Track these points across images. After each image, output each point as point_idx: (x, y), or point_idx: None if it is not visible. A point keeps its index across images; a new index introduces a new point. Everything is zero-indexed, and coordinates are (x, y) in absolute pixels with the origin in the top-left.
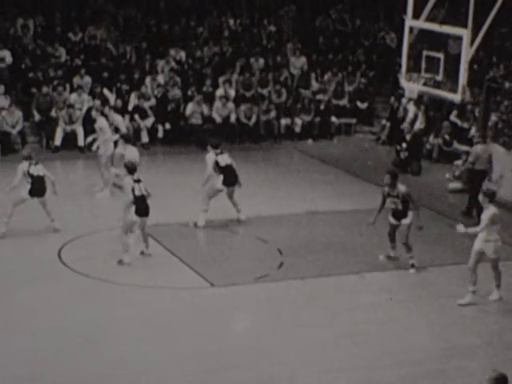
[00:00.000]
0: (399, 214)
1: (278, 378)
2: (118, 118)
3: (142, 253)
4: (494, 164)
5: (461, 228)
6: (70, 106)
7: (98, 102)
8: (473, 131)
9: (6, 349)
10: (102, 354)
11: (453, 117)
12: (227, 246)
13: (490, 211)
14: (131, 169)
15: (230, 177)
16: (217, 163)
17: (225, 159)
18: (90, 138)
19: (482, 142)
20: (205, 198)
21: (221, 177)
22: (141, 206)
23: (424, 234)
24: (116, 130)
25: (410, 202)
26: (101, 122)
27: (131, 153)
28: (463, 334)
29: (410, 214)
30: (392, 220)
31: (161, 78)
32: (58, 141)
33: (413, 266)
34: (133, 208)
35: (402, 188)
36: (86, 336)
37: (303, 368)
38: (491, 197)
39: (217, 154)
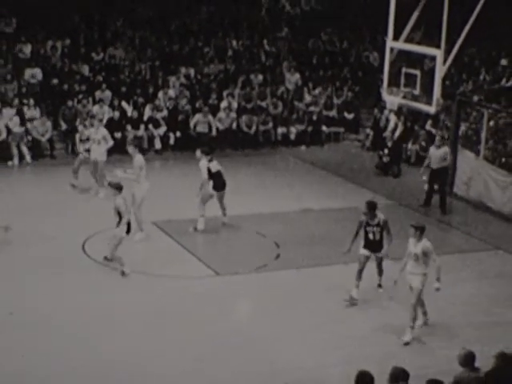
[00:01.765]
0: (375, 246)
1: (276, 356)
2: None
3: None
4: (464, 167)
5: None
6: (93, 116)
7: (116, 113)
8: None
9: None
10: (118, 337)
11: (428, 126)
12: (230, 240)
13: (421, 245)
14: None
15: (219, 182)
16: (208, 170)
17: (215, 166)
18: (86, 146)
19: (438, 145)
20: (200, 203)
21: (211, 182)
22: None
23: (403, 228)
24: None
25: (386, 232)
26: (104, 132)
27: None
28: (438, 316)
29: (385, 246)
30: (365, 252)
31: (172, 92)
32: (79, 147)
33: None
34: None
35: (382, 216)
36: (103, 319)
37: (299, 346)
38: (422, 230)
39: (208, 161)
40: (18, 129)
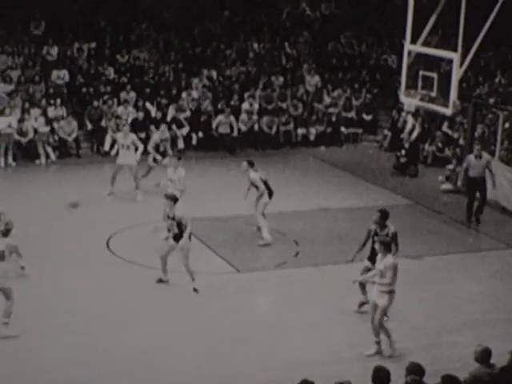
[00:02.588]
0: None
1: (292, 347)
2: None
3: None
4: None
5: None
6: (118, 117)
7: (141, 114)
8: (461, 141)
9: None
10: (142, 328)
11: (445, 127)
12: (251, 238)
13: (386, 261)
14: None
15: (271, 189)
16: (261, 179)
17: (262, 175)
18: (113, 150)
19: (477, 154)
20: (260, 216)
21: (266, 191)
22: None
23: (420, 227)
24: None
25: (394, 245)
26: (133, 137)
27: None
28: (453, 313)
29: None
30: (368, 264)
31: (195, 94)
32: (107, 147)
33: None
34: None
35: (392, 227)
36: (126, 312)
37: (314, 341)
38: (387, 246)
39: (255, 171)
40: (43, 128)
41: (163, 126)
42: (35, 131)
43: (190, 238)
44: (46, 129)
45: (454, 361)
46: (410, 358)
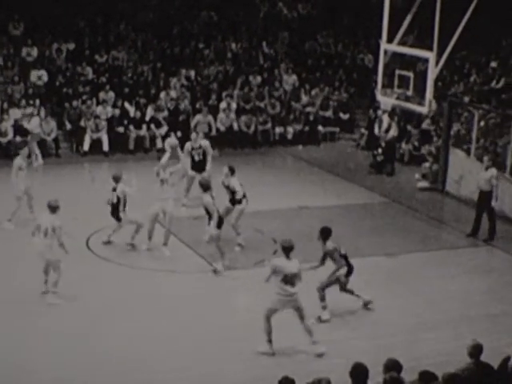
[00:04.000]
0: None
1: (275, 348)
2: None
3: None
4: (456, 166)
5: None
6: (97, 117)
7: (117, 111)
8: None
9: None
10: (118, 328)
11: (425, 125)
12: (230, 237)
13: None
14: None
15: (246, 196)
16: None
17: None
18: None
19: (489, 165)
20: (236, 224)
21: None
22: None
23: (396, 225)
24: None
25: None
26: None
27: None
28: (430, 310)
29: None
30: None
31: (173, 93)
32: (86, 147)
33: (319, 318)
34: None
35: (328, 246)
36: (101, 312)
37: (297, 339)
38: (287, 250)
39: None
40: (37, 129)
41: (195, 135)
42: (28, 132)
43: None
44: (39, 129)
45: (431, 357)
46: (387, 354)
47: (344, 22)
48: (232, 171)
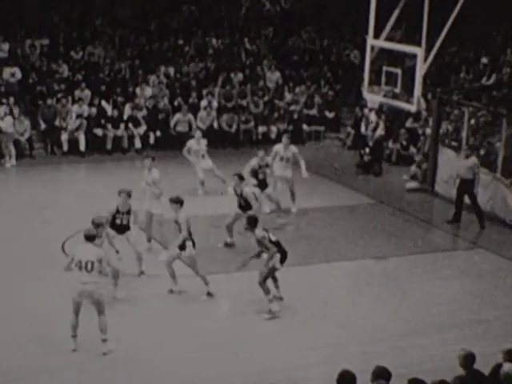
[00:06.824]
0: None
1: (260, 355)
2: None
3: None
4: (445, 166)
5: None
6: (80, 116)
7: (94, 110)
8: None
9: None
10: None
11: (409, 123)
12: (214, 241)
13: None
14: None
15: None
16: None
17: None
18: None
19: (469, 154)
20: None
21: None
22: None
23: (384, 227)
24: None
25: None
26: (294, 149)
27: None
28: (419, 315)
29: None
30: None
31: (149, 90)
32: (65, 147)
33: (270, 311)
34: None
35: (257, 233)
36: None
37: (282, 346)
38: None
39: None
40: (11, 129)
41: (262, 153)
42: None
43: (193, 245)
44: (12, 129)
45: (420, 363)
46: (375, 361)
47: (329, 16)
48: (241, 179)
